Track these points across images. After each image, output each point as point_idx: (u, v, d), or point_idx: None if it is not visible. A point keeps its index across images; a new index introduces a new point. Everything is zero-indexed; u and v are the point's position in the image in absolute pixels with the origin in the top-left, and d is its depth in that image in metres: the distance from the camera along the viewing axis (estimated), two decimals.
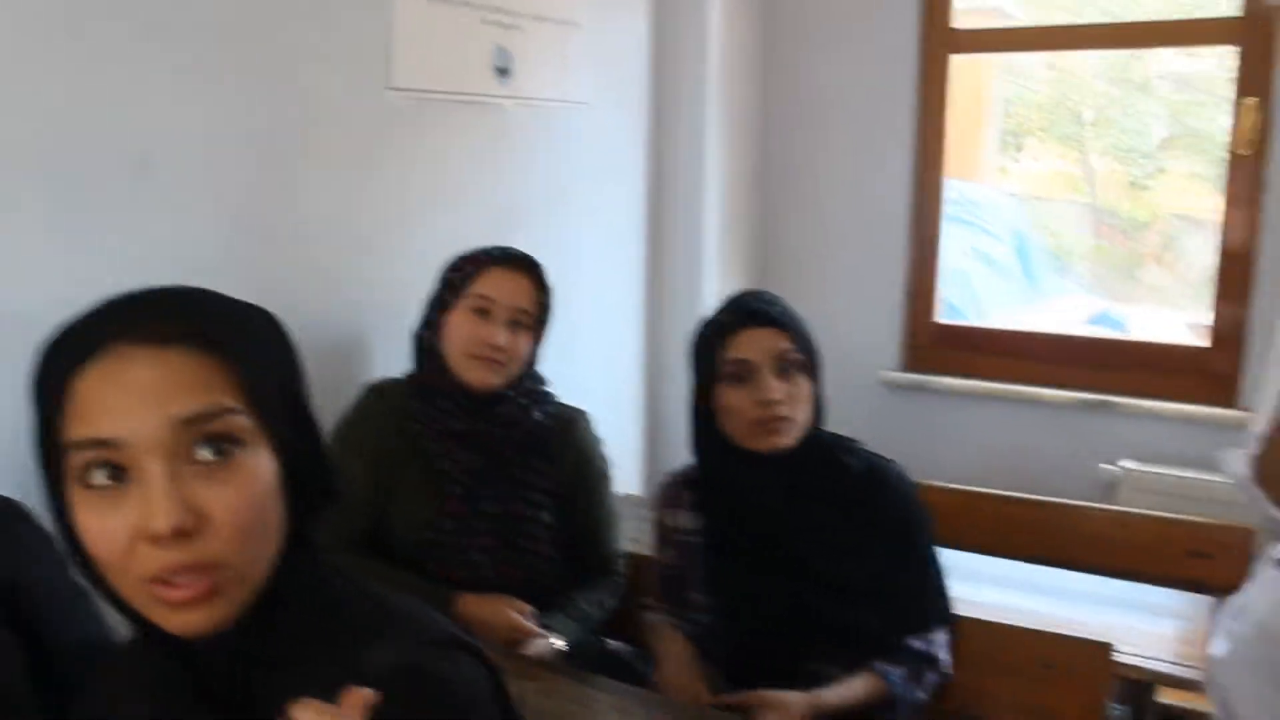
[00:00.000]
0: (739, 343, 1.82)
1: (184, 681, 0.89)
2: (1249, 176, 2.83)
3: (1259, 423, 1.43)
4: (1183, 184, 6.82)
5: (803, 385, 1.82)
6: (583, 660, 1.97)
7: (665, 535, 1.99)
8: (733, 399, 1.82)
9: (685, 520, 1.94)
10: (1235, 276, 2.85)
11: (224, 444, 0.84)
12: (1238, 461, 1.44)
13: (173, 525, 0.80)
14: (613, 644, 2.22)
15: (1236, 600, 1.55)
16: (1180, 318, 4.84)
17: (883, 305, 3.22)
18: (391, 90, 2.29)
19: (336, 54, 2.17)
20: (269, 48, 2.04)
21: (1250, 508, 1.43)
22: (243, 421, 0.85)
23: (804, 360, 1.82)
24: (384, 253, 2.32)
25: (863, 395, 3.12)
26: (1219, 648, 1.55)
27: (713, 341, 1.85)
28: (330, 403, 2.08)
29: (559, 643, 1.96)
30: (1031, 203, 7.53)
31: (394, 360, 2.18)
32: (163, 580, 0.82)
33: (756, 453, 1.82)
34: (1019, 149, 7.74)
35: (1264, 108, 2.78)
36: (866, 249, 3.23)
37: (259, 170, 2.05)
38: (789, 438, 1.81)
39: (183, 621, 0.84)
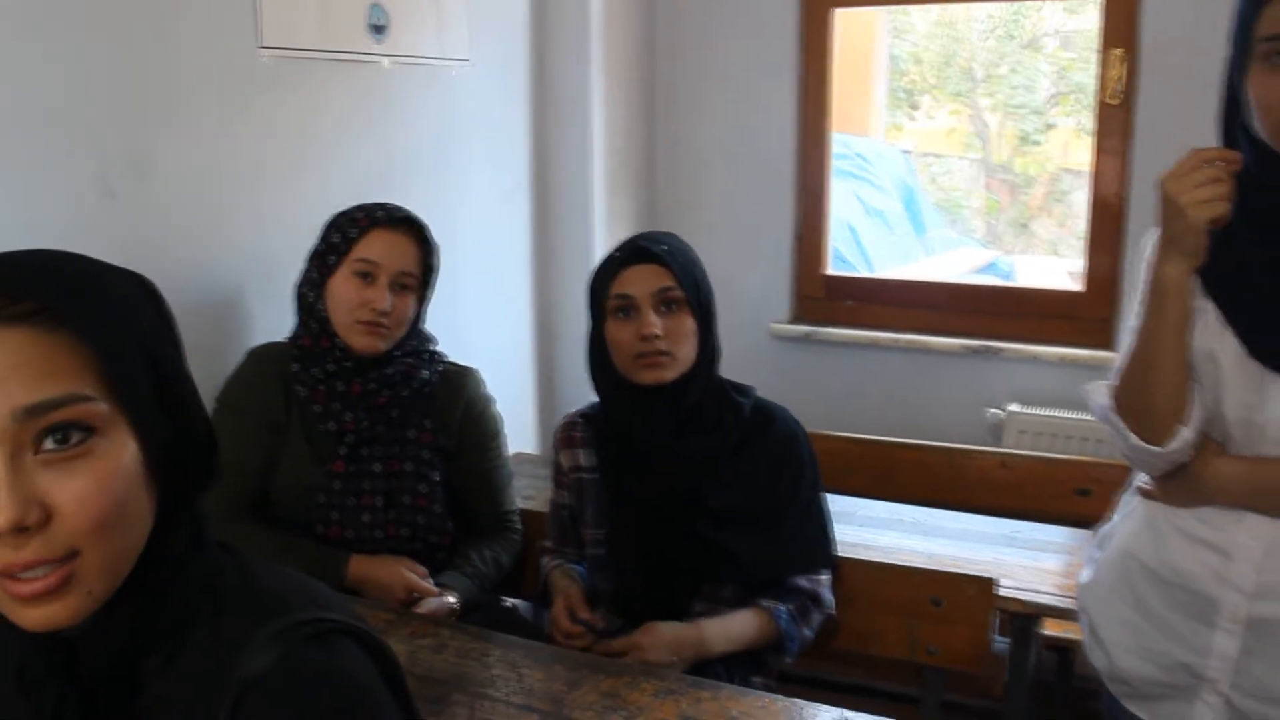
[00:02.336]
0: (624, 279, 1.87)
1: (51, 673, 0.85)
2: (1118, 126, 2.91)
3: (1118, 358, 1.48)
4: (1069, 138, 6.99)
5: (685, 322, 1.87)
6: (479, 618, 1.98)
7: (562, 475, 2.03)
8: (617, 333, 1.88)
9: (582, 458, 1.99)
10: (1107, 224, 2.93)
11: (74, 432, 0.79)
12: (1099, 394, 1.49)
13: (11, 521, 0.76)
14: (510, 602, 2.24)
15: (1103, 529, 1.60)
16: (1064, 266, 4.98)
17: (771, 258, 3.25)
18: (263, 49, 2.24)
19: (204, 12, 2.11)
20: (133, 3, 1.98)
21: (1112, 438, 1.48)
22: (96, 408, 0.80)
23: (686, 298, 1.86)
24: (256, 214, 2.27)
25: (754, 347, 3.15)
26: (1085, 575, 1.60)
27: (603, 278, 1.91)
28: (210, 369, 2.05)
29: (453, 600, 1.97)
30: (925, 158, 7.65)
31: (274, 322, 2.15)
32: (9, 575, 0.78)
33: (645, 387, 1.87)
34: (913, 106, 7.86)
35: (1129, 58, 2.85)
36: (754, 202, 3.25)
37: (122, 130, 1.99)
38: (670, 371, 1.86)
39: (34, 616, 0.80)
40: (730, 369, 1.99)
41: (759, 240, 3.25)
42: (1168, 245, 1.40)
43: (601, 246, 3.06)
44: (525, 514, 2.22)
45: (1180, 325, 1.40)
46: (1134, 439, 1.43)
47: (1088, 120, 3.03)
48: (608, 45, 3.11)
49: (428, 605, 1.92)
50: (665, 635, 1.78)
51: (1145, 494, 1.48)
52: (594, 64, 3.06)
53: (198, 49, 2.11)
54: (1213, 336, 1.41)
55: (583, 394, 2.11)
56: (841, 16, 3.21)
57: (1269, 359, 1.37)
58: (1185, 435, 1.39)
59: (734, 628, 1.82)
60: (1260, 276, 1.39)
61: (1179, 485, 1.43)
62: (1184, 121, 1.47)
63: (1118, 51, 2.87)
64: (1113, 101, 2.90)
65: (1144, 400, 1.43)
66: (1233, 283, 1.41)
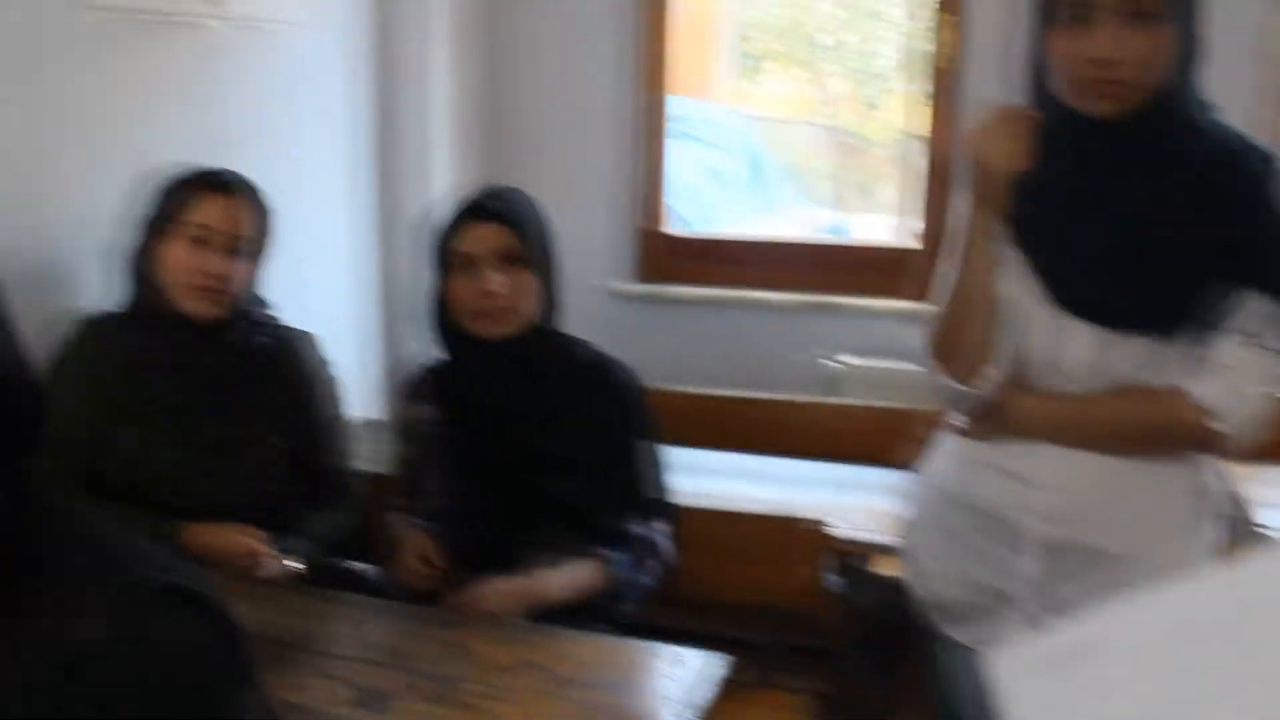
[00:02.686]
0: (466, 236, 1.90)
1: None
2: (950, 89, 3.02)
3: (933, 306, 1.56)
4: (911, 103, 7.18)
5: (526, 279, 1.90)
6: (321, 581, 1.97)
7: (405, 429, 2.06)
8: (459, 289, 1.90)
9: (425, 410, 2.02)
10: (940, 183, 3.04)
11: None
12: (915, 338, 1.57)
13: None
14: (353, 565, 2.23)
15: (923, 467, 1.69)
16: (907, 226, 5.13)
17: (612, 218, 3.28)
18: (88, 8, 2.16)
19: None
20: None
21: (930, 380, 1.56)
22: None
23: (527, 256, 1.90)
24: (85, 179, 2.19)
25: (595, 307, 3.16)
26: (907, 512, 1.69)
27: (445, 234, 1.93)
28: (38, 337, 1.99)
29: (294, 564, 1.95)
30: (770, 123, 7.77)
31: (104, 289, 2.09)
32: None
33: (485, 339, 1.90)
34: (759, 72, 7.97)
35: (959, 24, 2.96)
36: (595, 163, 3.27)
37: None
38: (511, 325, 1.90)
39: None
40: (572, 328, 2.02)
41: (600, 201, 3.27)
42: (974, 197, 1.48)
43: (445, 210, 3.04)
44: (370, 478, 2.22)
45: (987, 273, 1.49)
46: (946, 379, 1.51)
47: (929, 86, 3.13)
48: (449, 5, 3.08)
49: (269, 570, 1.91)
50: (504, 587, 1.80)
51: (957, 431, 1.57)
52: (435, 25, 3.03)
53: (21, 6, 2.03)
54: (1018, 283, 1.50)
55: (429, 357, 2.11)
56: None
57: (1068, 304, 1.46)
58: (992, 375, 1.47)
59: (571, 577, 1.86)
60: (1060, 228, 1.48)
61: (987, 422, 1.52)
62: (1009, 84, 1.55)
63: (949, 18, 2.98)
64: (945, 66, 3.01)
65: (955, 343, 1.51)
66: (1036, 233, 1.50)
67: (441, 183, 3.12)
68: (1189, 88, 1.44)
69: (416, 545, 1.91)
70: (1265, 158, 1.46)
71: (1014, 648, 0.50)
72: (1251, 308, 1.41)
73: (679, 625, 2.58)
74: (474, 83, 3.26)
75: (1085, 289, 1.46)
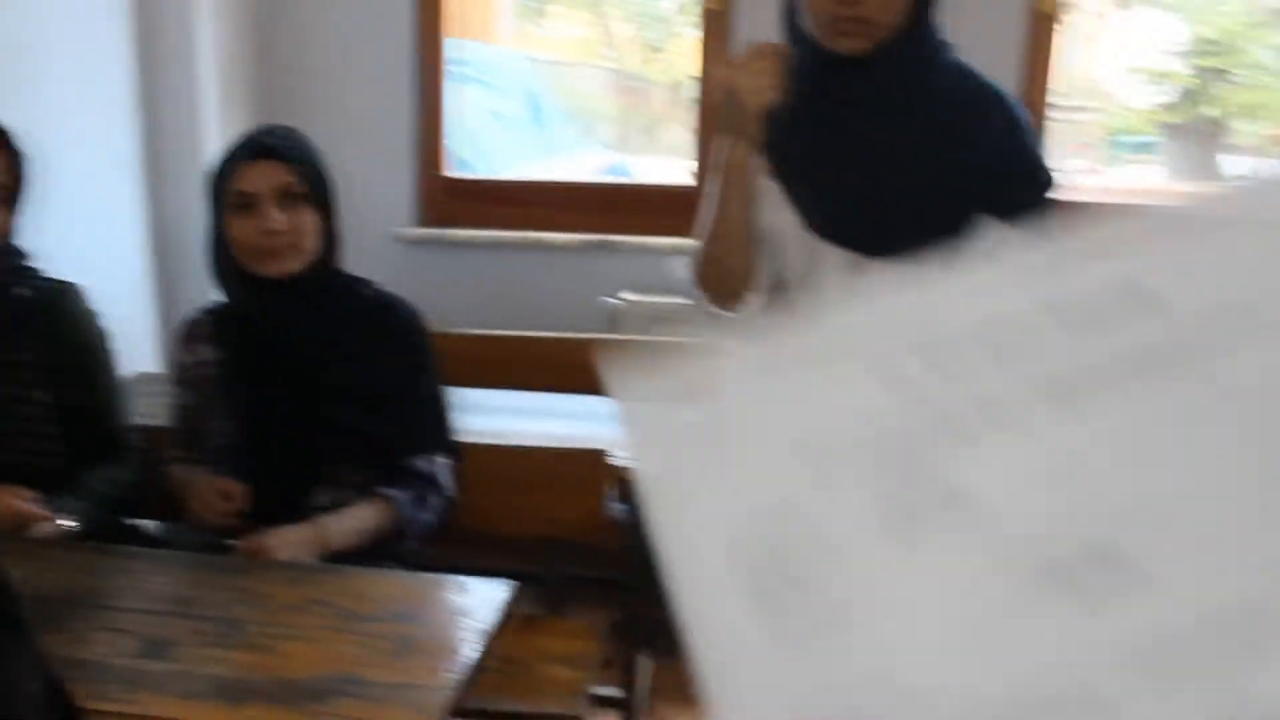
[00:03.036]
0: (244, 175, 1.88)
1: None
2: (721, 32, 3.11)
3: (698, 238, 1.64)
4: (691, 46, 7.29)
5: (307, 217, 1.90)
6: (100, 538, 1.92)
7: (184, 373, 2.03)
8: (238, 229, 1.88)
9: (204, 353, 2.00)
10: (711, 122, 3.13)
11: None
12: (682, 269, 1.65)
13: None
14: (135, 522, 2.18)
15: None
16: (688, 167, 5.25)
17: (393, 162, 3.26)
18: None
19: None
20: None
21: (696, 307, 1.64)
22: None
23: (308, 193, 1.90)
24: None
25: (378, 251, 3.13)
26: None
27: (222, 174, 1.90)
28: None
29: (70, 524, 1.90)
30: (554, 66, 7.76)
31: None
32: None
33: (268, 278, 1.90)
34: (542, 15, 7.94)
35: None
36: (373, 107, 3.24)
37: None
38: (294, 263, 1.90)
39: None
40: (356, 273, 2.03)
41: (380, 145, 3.25)
42: (730, 129, 1.56)
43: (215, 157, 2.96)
44: (150, 431, 2.16)
45: (743, 204, 1.57)
46: (711, 307, 1.59)
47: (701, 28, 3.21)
48: None
49: (43, 531, 1.85)
50: (291, 537, 1.80)
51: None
52: None
53: None
54: (775, 212, 1.59)
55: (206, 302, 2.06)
56: None
57: (820, 232, 1.57)
58: (753, 300, 1.56)
59: (355, 520, 1.88)
60: (812, 160, 1.57)
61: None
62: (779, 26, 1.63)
63: None
64: (716, 8, 3.09)
65: (717, 272, 1.59)
66: (790, 165, 1.59)
67: (212, 127, 3.03)
68: (928, 28, 1.55)
69: (211, 485, 1.87)
70: (999, 94, 1.59)
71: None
72: (991, 231, 1.54)
73: (469, 562, 2.64)
74: (244, 25, 3.17)
75: (836, 217, 1.57)
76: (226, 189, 1.89)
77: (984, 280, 0.36)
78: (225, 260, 1.93)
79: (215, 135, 3.01)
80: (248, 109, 3.20)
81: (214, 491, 1.86)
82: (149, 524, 2.20)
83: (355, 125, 3.23)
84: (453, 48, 3.36)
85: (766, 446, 0.37)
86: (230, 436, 1.96)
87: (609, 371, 0.44)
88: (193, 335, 2.03)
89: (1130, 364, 0.33)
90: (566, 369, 2.75)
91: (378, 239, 3.18)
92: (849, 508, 0.35)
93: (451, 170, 3.37)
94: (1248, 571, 0.32)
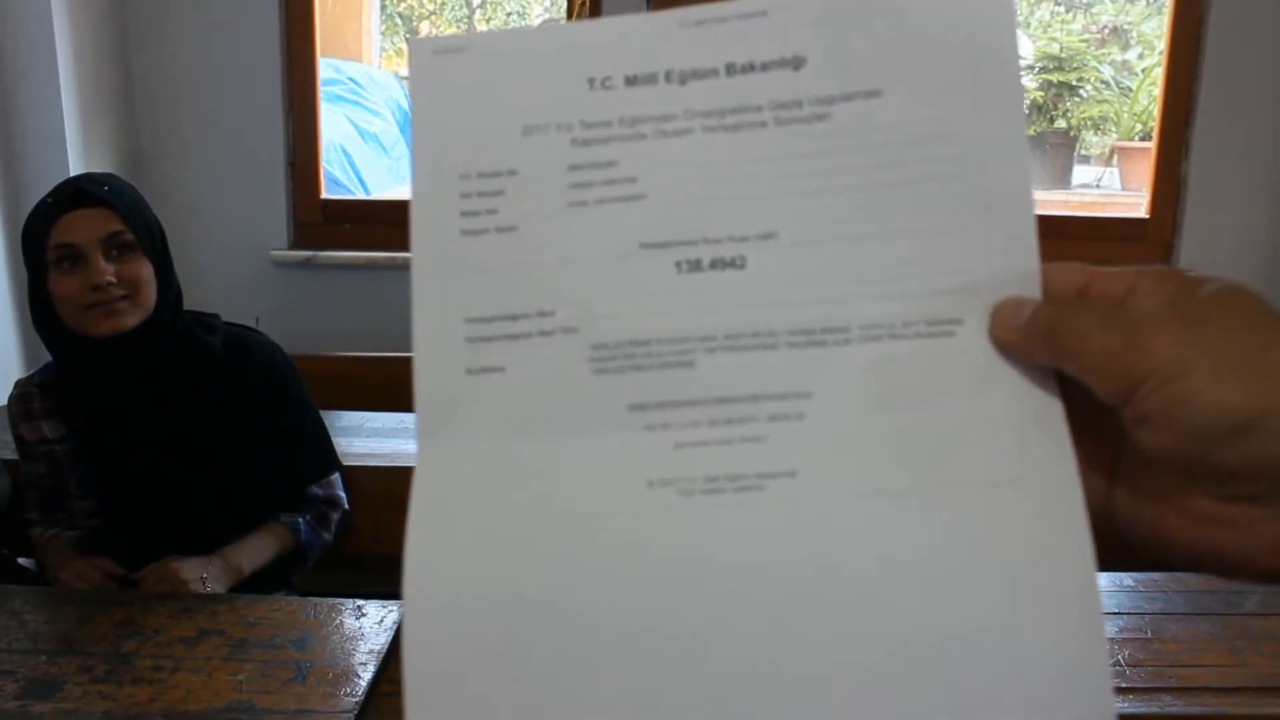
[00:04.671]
0: (65, 226, 1.71)
1: None
2: None
3: None
4: None
5: (141, 266, 1.75)
6: None
7: (28, 449, 1.88)
8: (63, 286, 1.72)
9: (46, 429, 1.85)
10: None
11: None
12: None
13: None
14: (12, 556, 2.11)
15: None
16: None
17: (266, 185, 3.20)
18: None
19: None
20: None
21: None
22: None
23: (138, 240, 1.75)
24: None
25: (254, 275, 3.11)
26: None
27: (40, 228, 1.73)
28: None
29: None
30: None
31: None
32: None
33: (102, 339, 1.74)
34: (412, 32, 7.90)
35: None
36: (245, 130, 3.18)
37: None
38: (131, 318, 1.74)
39: None
40: (232, 298, 1.99)
41: (253, 168, 3.19)
42: None
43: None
44: (12, 465, 2.09)
45: None
46: None
47: None
48: None
49: None
50: (193, 560, 1.76)
51: None
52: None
53: None
54: None
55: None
56: None
57: None
58: None
59: (256, 546, 1.84)
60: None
61: None
62: None
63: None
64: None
65: None
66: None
67: (74, 160, 2.93)
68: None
69: (92, 561, 1.80)
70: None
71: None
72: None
73: (357, 586, 2.62)
74: (106, 53, 3.08)
75: None
76: (46, 242, 1.71)
77: (681, 38, 0.46)
78: (53, 323, 1.75)
79: (80, 169, 2.92)
80: (113, 140, 3.11)
81: (84, 569, 1.78)
82: (27, 561, 2.13)
83: (229, 148, 3.18)
84: (322, 67, 3.33)
85: (499, 119, 0.46)
86: (92, 515, 1.86)
87: None
88: (29, 411, 1.85)
89: (775, 107, 0.45)
90: None
91: (254, 261, 3.13)
92: (550, 172, 0.45)
93: (324, 191, 3.33)
94: (830, 282, 0.44)
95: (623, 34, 0.47)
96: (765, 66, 0.45)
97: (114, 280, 1.71)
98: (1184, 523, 0.41)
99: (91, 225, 1.72)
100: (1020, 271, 0.43)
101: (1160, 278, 0.41)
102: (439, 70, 0.47)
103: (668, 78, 0.46)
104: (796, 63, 0.45)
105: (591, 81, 0.46)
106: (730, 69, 0.45)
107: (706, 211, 0.45)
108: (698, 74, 0.46)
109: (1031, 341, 0.42)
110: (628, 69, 0.46)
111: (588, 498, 0.44)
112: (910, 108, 0.45)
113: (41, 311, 1.76)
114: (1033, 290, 0.43)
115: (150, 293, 1.77)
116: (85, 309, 1.72)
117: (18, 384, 1.90)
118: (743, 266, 0.44)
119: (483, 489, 0.44)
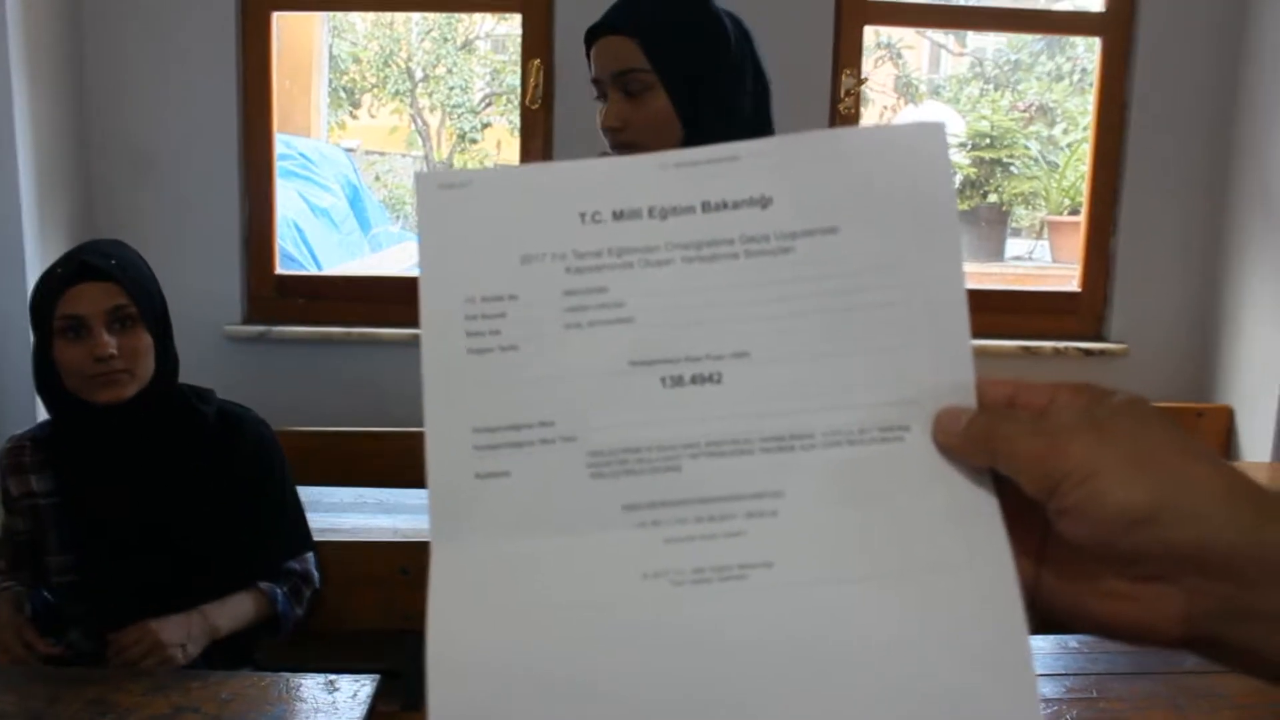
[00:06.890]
0: (71, 298, 1.81)
1: None
2: (540, 129, 3.24)
3: None
4: (504, 136, 7.46)
5: (141, 339, 1.85)
6: None
7: (12, 501, 1.94)
8: (68, 355, 1.81)
9: (35, 483, 1.91)
10: None
11: None
12: None
13: None
14: None
15: None
16: None
17: (221, 260, 3.23)
18: None
19: None
20: None
21: None
22: None
23: (140, 313, 1.84)
24: None
25: (208, 350, 3.11)
26: None
27: (47, 297, 1.83)
28: None
29: None
30: (369, 157, 7.80)
31: None
32: None
33: (101, 406, 1.83)
34: (356, 106, 7.99)
35: (546, 67, 3.19)
36: (200, 205, 3.21)
37: None
38: (129, 389, 1.84)
39: None
40: (187, 373, 2.01)
41: (207, 243, 3.23)
42: None
43: (36, 259, 2.90)
44: None
45: None
46: None
47: (519, 120, 3.33)
48: (28, 48, 2.93)
49: None
50: (173, 619, 1.79)
51: None
52: (13, 67, 2.87)
53: None
54: None
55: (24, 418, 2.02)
56: (280, 18, 3.28)
57: None
58: None
59: (234, 608, 1.88)
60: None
61: None
62: (593, 123, 1.70)
63: (535, 61, 3.20)
64: (534, 106, 3.23)
65: None
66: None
67: (30, 232, 2.95)
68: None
69: (18, 628, 1.82)
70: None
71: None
72: None
73: (322, 661, 2.63)
74: (64, 126, 3.11)
75: None
76: (53, 312, 1.81)
77: (662, 179, 0.53)
78: (55, 387, 1.85)
79: (34, 243, 2.94)
80: (70, 213, 3.13)
81: (16, 633, 1.80)
82: None
83: (184, 223, 3.21)
84: (277, 143, 3.39)
85: (500, 248, 0.52)
86: (76, 571, 1.89)
87: None
88: (19, 464, 1.92)
89: (745, 241, 0.52)
90: (403, 462, 2.80)
91: (208, 336, 3.15)
92: (547, 296, 0.51)
93: (277, 265, 3.37)
94: (796, 395, 0.51)
95: (610, 174, 0.54)
96: (737, 205, 0.53)
97: (115, 353, 1.80)
98: (1099, 599, 0.49)
99: (96, 299, 1.81)
100: (958, 383, 0.51)
101: (1075, 390, 0.49)
102: (444, 203, 0.53)
103: (650, 213, 0.53)
104: (764, 202, 0.53)
105: (583, 215, 0.53)
106: (706, 206, 0.53)
107: (687, 333, 0.52)
108: (677, 210, 0.53)
109: (969, 445, 0.50)
110: (615, 205, 0.53)
111: (590, 589, 0.50)
112: (863, 242, 0.52)
113: (44, 374, 1.85)
114: (969, 400, 0.51)
115: (149, 363, 1.86)
116: (88, 378, 1.81)
117: (10, 439, 1.97)
118: (720, 382, 0.51)
119: (494, 581, 0.50)
